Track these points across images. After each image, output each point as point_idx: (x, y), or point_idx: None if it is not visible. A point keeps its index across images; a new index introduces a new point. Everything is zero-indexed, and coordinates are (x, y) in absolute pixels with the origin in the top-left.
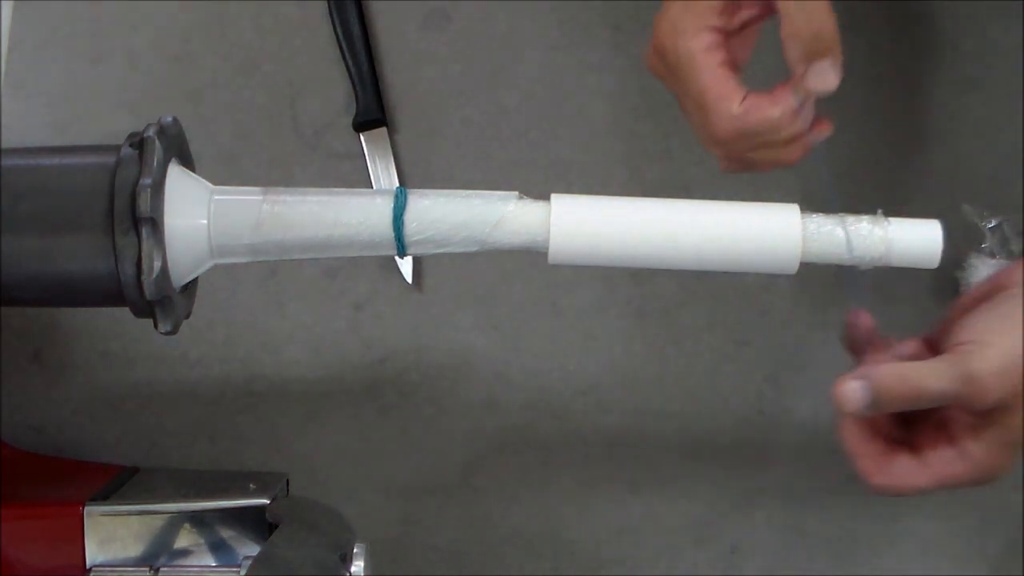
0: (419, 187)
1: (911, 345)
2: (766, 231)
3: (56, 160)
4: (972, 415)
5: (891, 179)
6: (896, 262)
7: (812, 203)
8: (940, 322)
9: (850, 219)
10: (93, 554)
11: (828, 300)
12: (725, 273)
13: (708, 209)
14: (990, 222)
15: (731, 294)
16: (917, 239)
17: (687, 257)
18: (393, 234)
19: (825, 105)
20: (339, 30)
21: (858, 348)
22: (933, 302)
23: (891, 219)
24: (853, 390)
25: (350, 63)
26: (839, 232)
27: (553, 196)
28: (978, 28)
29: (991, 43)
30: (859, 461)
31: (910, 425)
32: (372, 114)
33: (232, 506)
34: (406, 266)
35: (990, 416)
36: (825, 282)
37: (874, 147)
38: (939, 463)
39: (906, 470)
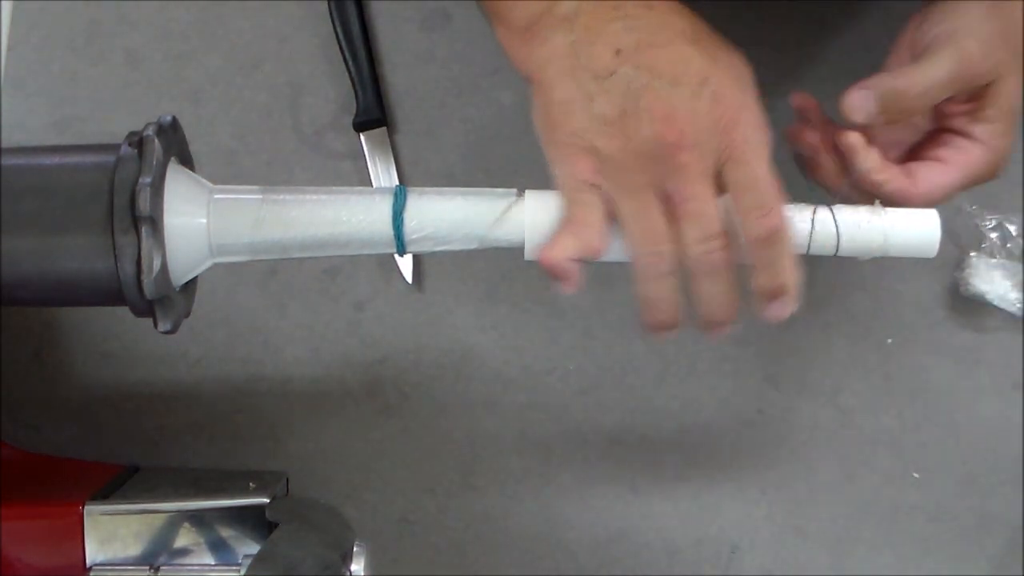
0: (419, 187)
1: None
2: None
3: (56, 159)
4: (968, 104)
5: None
6: (895, 252)
7: (811, 196)
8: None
9: (848, 209)
10: (93, 553)
11: (828, 300)
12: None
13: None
14: (990, 222)
15: None
16: (915, 228)
17: None
18: (393, 232)
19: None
20: (339, 30)
21: (810, 140)
22: (934, 303)
23: (888, 209)
24: (861, 97)
25: (350, 63)
26: (838, 222)
27: (528, 192)
28: None
29: None
30: (887, 183)
31: (914, 154)
32: (372, 114)
33: (232, 505)
34: (406, 266)
35: (984, 95)
36: (825, 282)
37: None
38: (955, 156)
39: (930, 172)
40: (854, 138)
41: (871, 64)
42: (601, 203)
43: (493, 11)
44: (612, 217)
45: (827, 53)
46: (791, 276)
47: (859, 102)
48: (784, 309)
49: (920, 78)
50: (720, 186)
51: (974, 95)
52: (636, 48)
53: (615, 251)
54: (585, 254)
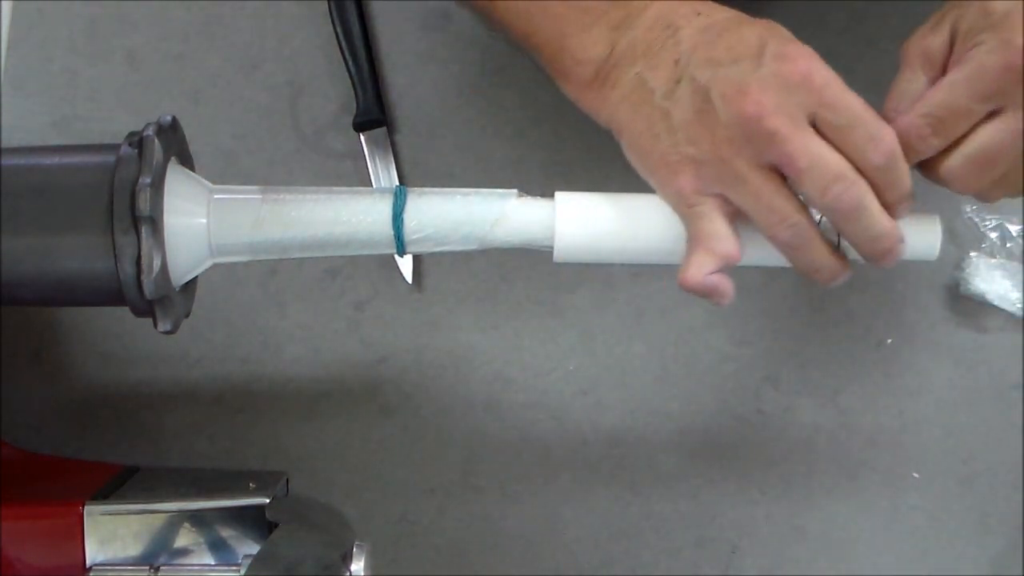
0: (419, 187)
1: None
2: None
3: (56, 159)
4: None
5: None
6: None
7: None
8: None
9: None
10: (93, 553)
11: (828, 300)
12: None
13: None
14: (990, 222)
15: None
16: (916, 232)
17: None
18: (392, 232)
19: None
20: (339, 30)
21: None
22: (934, 303)
23: None
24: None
25: (350, 63)
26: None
27: (558, 194)
28: None
29: None
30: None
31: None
32: (372, 114)
33: (232, 505)
34: (406, 266)
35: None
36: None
37: None
38: (961, 64)
39: (942, 81)
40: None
41: (871, 64)
42: (718, 208)
43: (557, 70)
44: (736, 216)
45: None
46: (909, 183)
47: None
48: (912, 199)
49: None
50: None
51: None
52: (692, 49)
53: (753, 248)
54: (724, 263)
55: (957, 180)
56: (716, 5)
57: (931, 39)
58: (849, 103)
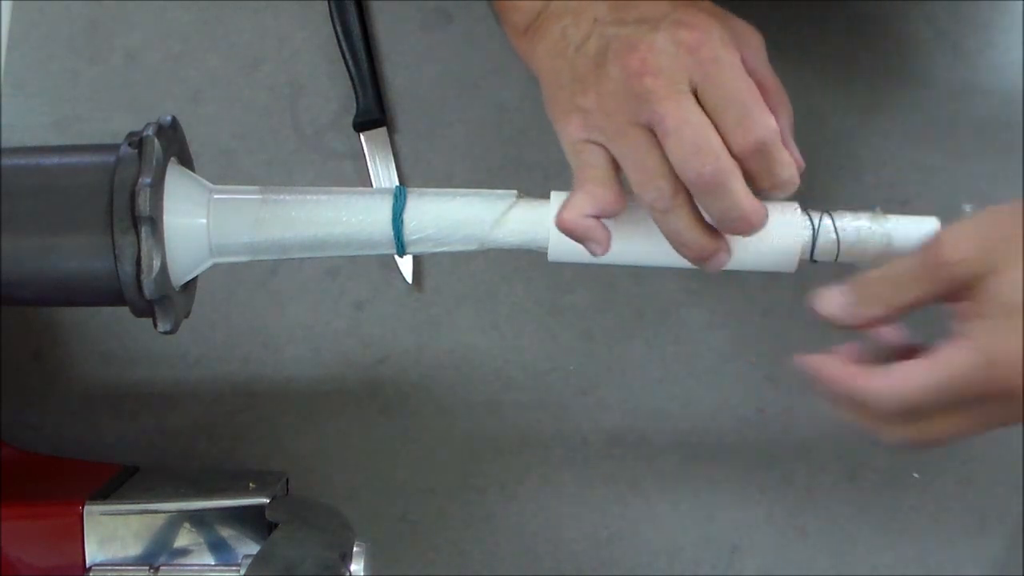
0: (419, 187)
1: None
2: (765, 229)
3: (56, 159)
4: (961, 305)
5: (891, 179)
6: (896, 257)
7: (811, 202)
8: None
9: (848, 216)
10: (93, 553)
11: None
12: (725, 273)
13: None
14: None
15: (731, 294)
16: (916, 235)
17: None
18: (392, 233)
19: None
20: (339, 30)
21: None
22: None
23: (889, 216)
24: (833, 293)
25: (350, 63)
26: (839, 229)
27: (553, 193)
28: (978, 28)
29: (991, 43)
30: (857, 386)
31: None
32: (372, 114)
33: (232, 505)
34: (406, 266)
35: (977, 291)
36: (825, 282)
37: (874, 147)
38: (943, 354)
39: (908, 369)
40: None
41: (871, 64)
42: (603, 156)
43: (500, 13)
44: (614, 163)
45: (827, 53)
46: (790, 168)
47: (831, 297)
48: (792, 187)
49: (891, 270)
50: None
51: (965, 290)
52: (608, 11)
53: (614, 250)
54: (601, 209)
55: (884, 440)
56: None
57: (963, 250)
58: (731, 81)
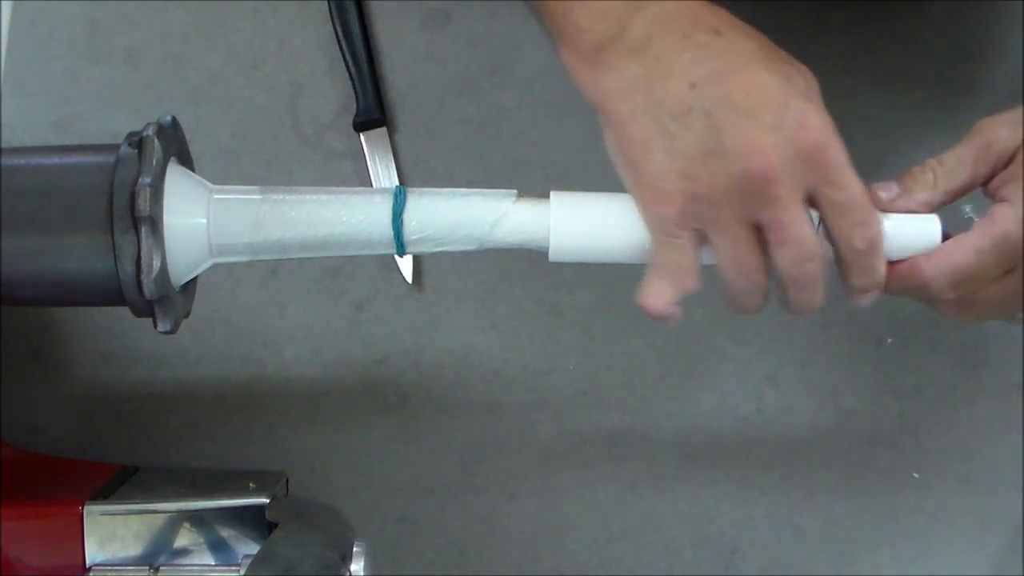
0: (419, 187)
1: None
2: None
3: (56, 159)
4: (1002, 174)
5: (891, 178)
6: (895, 255)
7: None
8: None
9: None
10: (93, 553)
11: (828, 300)
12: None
13: None
14: None
15: None
16: (916, 233)
17: None
18: (392, 233)
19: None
20: (339, 30)
21: None
22: None
23: (889, 215)
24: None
25: (350, 63)
26: None
27: (553, 193)
28: (978, 28)
29: (991, 43)
30: (917, 264)
31: None
32: (372, 114)
33: (232, 505)
34: (406, 266)
35: (1014, 161)
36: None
37: (874, 147)
38: (987, 219)
39: (959, 239)
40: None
41: (871, 64)
42: (691, 243)
43: (558, 31)
44: (703, 245)
45: (827, 53)
46: (883, 272)
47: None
48: (873, 299)
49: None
50: (811, 205)
51: (1004, 165)
52: (710, 79)
53: (615, 249)
54: (681, 296)
55: (946, 314)
56: (734, 23)
57: (1001, 132)
58: (850, 185)
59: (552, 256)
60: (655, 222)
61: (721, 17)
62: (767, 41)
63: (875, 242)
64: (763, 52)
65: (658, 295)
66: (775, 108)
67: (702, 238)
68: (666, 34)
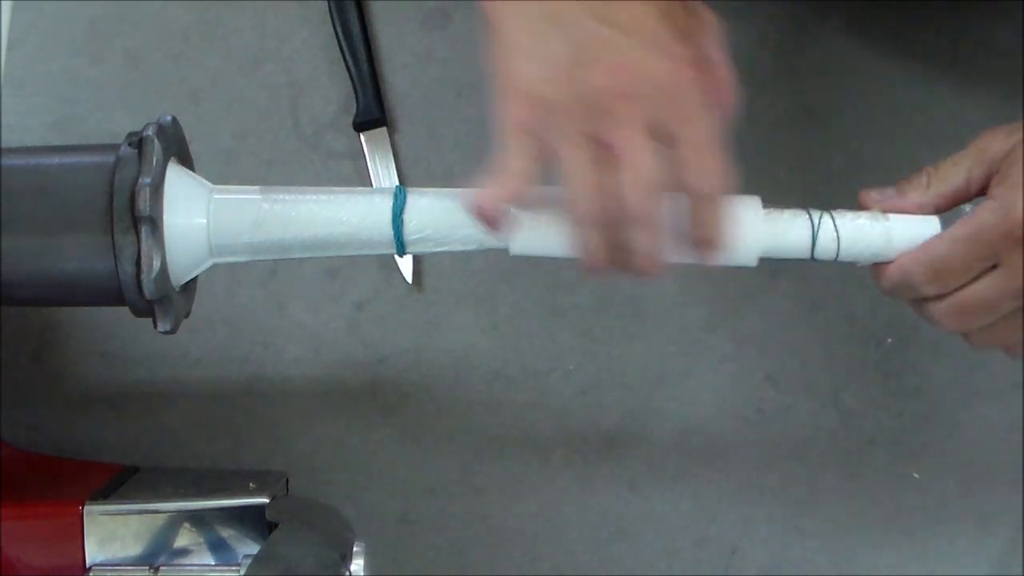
0: (419, 187)
1: None
2: (768, 229)
3: (55, 159)
4: (992, 179)
5: (891, 179)
6: (894, 254)
7: (812, 201)
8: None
9: (848, 215)
10: (93, 553)
11: (828, 300)
12: (726, 273)
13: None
14: None
15: (731, 294)
16: (916, 233)
17: None
18: (392, 232)
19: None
20: (339, 30)
21: None
22: None
23: (889, 215)
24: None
25: (350, 63)
26: (839, 228)
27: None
28: (978, 28)
29: (991, 43)
30: (901, 262)
31: None
32: (372, 114)
33: (232, 505)
34: (406, 266)
35: (1002, 165)
36: (825, 282)
37: (874, 147)
38: (970, 215)
39: (942, 233)
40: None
41: (871, 64)
42: (534, 151)
43: None
44: (545, 163)
45: (827, 54)
46: (721, 231)
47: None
48: (711, 256)
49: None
50: (665, 143)
51: (996, 170)
52: None
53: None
54: (516, 202)
55: (940, 322)
56: None
57: (997, 138)
58: (703, 128)
59: (512, 249)
60: (506, 123)
61: None
62: None
63: (719, 189)
64: None
65: (490, 195)
66: (650, 35)
67: (545, 153)
68: None
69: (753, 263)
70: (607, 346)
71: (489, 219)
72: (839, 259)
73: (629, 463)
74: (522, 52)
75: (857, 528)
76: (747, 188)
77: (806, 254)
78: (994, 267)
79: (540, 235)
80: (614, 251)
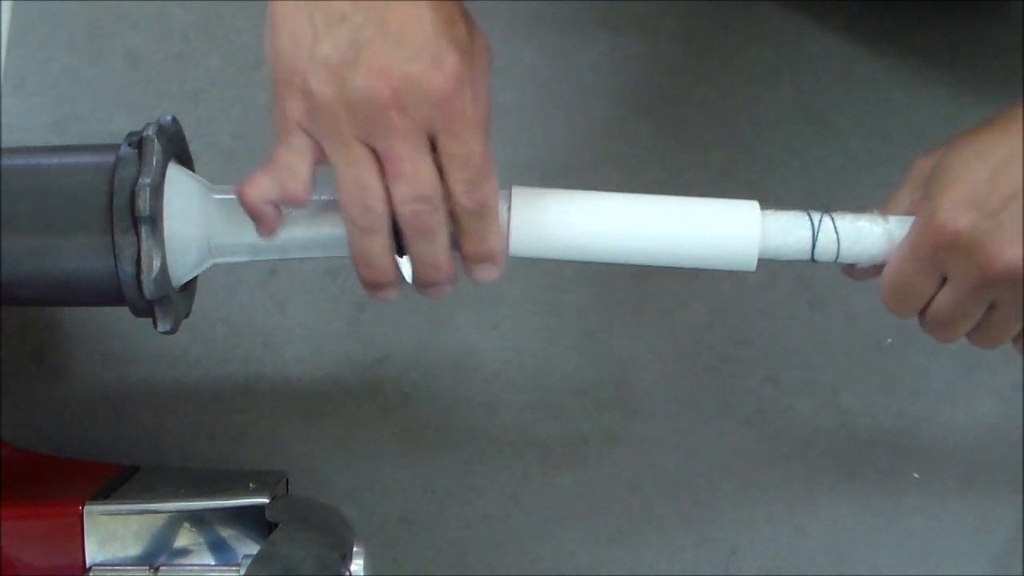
0: None
1: None
2: (768, 229)
3: (55, 159)
4: None
5: (891, 179)
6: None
7: (812, 202)
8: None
9: (848, 216)
10: (93, 553)
11: (828, 300)
12: (726, 273)
13: (663, 204)
14: None
15: (731, 294)
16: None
17: (642, 252)
18: None
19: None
20: None
21: None
22: None
23: (889, 216)
24: None
25: None
26: (839, 229)
27: (514, 188)
28: (978, 28)
29: (991, 43)
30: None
31: None
32: None
33: (232, 505)
34: (406, 266)
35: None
36: (825, 282)
37: (874, 147)
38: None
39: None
40: None
41: (871, 64)
42: (309, 149)
43: None
44: (320, 160)
45: (827, 54)
46: (496, 244)
47: None
48: (490, 273)
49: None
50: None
51: None
52: None
53: (574, 245)
54: (284, 198)
55: (932, 336)
56: None
57: (927, 163)
58: (469, 140)
59: (511, 251)
60: (278, 117)
61: None
62: None
63: (485, 204)
64: None
65: (257, 187)
66: (420, 43)
67: (318, 155)
68: None
69: (752, 268)
70: (607, 346)
71: (256, 216)
72: (839, 261)
73: (629, 463)
74: (299, 46)
75: (857, 528)
76: (747, 188)
77: (806, 256)
78: (946, 280)
79: (313, 234)
80: (392, 264)
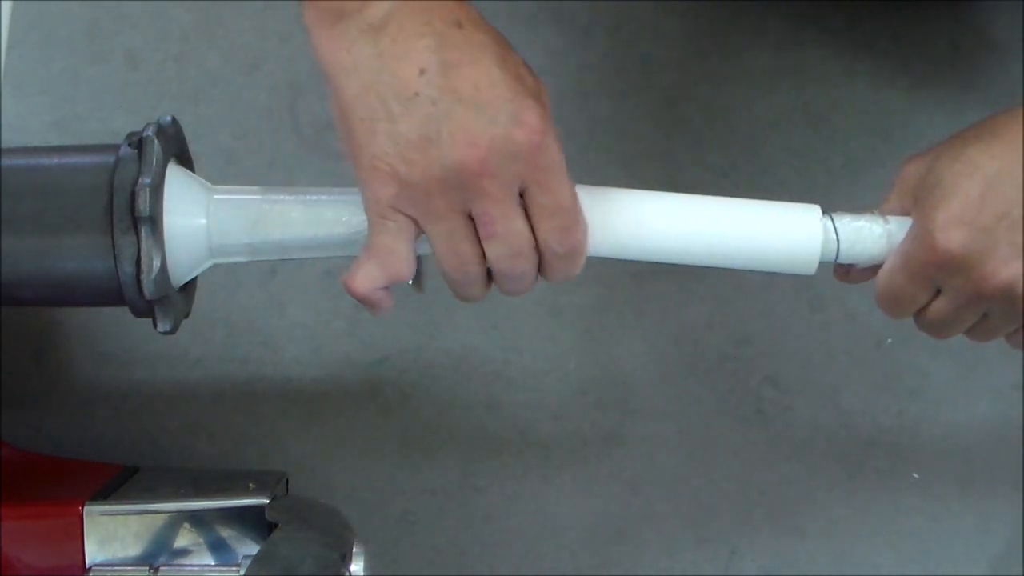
0: None
1: None
2: (785, 229)
3: (55, 159)
4: None
5: (891, 178)
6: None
7: (812, 202)
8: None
9: (848, 216)
10: (93, 553)
11: (828, 300)
12: (725, 273)
13: (723, 205)
14: None
15: (731, 294)
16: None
17: (705, 252)
18: None
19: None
20: None
21: None
22: None
23: (889, 216)
24: None
25: None
26: (839, 229)
27: (577, 187)
28: (978, 28)
29: (991, 43)
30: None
31: None
32: None
33: (232, 505)
34: None
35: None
36: (825, 282)
37: (874, 147)
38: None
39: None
40: None
41: (871, 64)
42: (405, 228)
43: None
44: (418, 235)
45: (827, 54)
46: (578, 270)
47: None
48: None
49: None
50: (524, 204)
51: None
52: (440, 69)
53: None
54: (391, 282)
55: (929, 335)
56: (477, 19)
57: (912, 167)
58: (559, 190)
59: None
60: (370, 203)
61: (466, 12)
62: (504, 41)
63: (575, 248)
64: (498, 49)
65: (364, 277)
66: (498, 104)
67: (419, 227)
68: (406, 18)
69: (812, 271)
70: (607, 346)
71: (370, 304)
72: (839, 261)
73: (629, 463)
74: (376, 129)
75: (857, 528)
76: (748, 188)
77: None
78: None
79: (313, 234)
80: (485, 292)
